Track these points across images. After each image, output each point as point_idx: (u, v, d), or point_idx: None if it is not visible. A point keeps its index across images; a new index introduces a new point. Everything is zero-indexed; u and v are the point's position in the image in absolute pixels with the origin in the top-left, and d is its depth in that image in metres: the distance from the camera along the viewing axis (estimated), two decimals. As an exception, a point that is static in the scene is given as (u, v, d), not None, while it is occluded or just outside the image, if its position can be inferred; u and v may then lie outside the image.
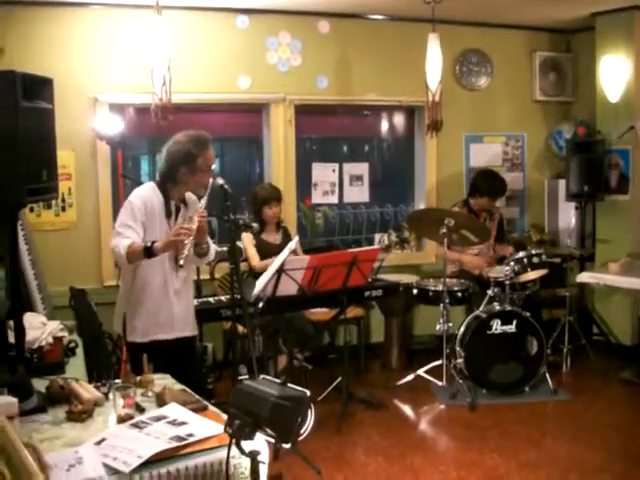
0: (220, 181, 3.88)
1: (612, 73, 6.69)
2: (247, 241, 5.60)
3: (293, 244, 4.85)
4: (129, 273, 3.97)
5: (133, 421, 2.66)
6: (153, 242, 3.74)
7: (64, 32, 5.76)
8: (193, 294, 4.30)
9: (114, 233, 3.90)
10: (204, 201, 3.85)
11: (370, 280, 5.31)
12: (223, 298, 5.00)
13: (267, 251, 5.52)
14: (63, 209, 5.85)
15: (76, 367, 3.65)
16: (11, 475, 1.97)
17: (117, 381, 3.06)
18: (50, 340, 3.68)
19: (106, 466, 2.32)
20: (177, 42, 5.73)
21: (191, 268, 4.30)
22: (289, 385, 2.19)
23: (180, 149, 3.94)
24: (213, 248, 4.15)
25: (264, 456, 2.38)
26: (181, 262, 3.72)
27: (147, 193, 3.97)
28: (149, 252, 3.73)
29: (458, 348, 5.72)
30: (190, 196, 4.06)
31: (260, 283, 4.69)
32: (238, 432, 2.13)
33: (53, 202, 5.67)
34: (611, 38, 6.68)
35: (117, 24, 5.88)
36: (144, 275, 3.93)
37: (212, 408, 2.89)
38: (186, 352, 4.13)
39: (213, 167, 4.00)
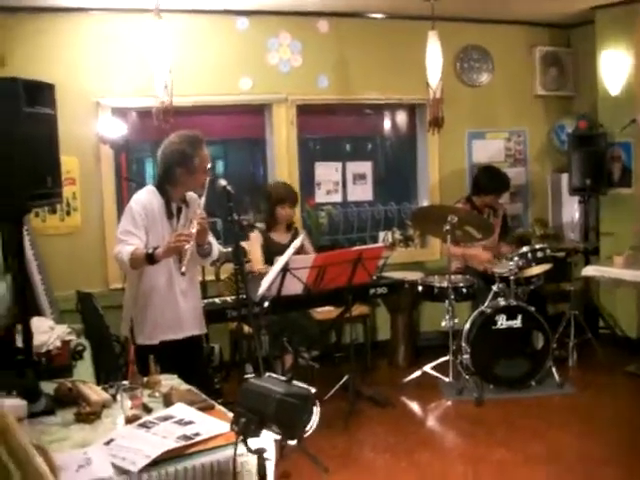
0: (223, 182, 3.89)
1: (613, 66, 6.69)
2: (254, 241, 5.58)
3: (298, 242, 4.83)
4: (135, 277, 4.00)
5: (141, 421, 2.69)
6: (155, 248, 3.77)
7: (65, 38, 5.79)
8: (200, 293, 4.33)
9: (116, 240, 3.92)
10: (203, 200, 3.87)
11: (375, 278, 5.33)
12: (229, 299, 5.01)
13: (274, 251, 5.50)
14: (68, 213, 5.87)
15: (84, 370, 3.69)
16: (21, 476, 1.99)
17: (124, 383, 3.09)
18: (58, 344, 3.72)
19: (115, 466, 2.36)
20: (178, 45, 5.73)
21: (197, 269, 4.34)
22: (294, 382, 2.21)
23: (174, 150, 3.97)
24: (217, 247, 4.18)
25: (270, 454, 2.40)
26: (183, 269, 3.72)
27: (146, 197, 4.00)
28: (151, 258, 3.76)
29: (464, 344, 5.73)
30: (191, 195, 4.09)
31: (265, 282, 4.70)
32: (244, 430, 2.15)
33: (58, 207, 5.67)
34: (611, 32, 6.68)
35: (117, 29, 5.90)
36: (150, 278, 3.96)
37: (219, 407, 2.91)
38: (194, 351, 4.16)
39: (209, 166, 4.02)
